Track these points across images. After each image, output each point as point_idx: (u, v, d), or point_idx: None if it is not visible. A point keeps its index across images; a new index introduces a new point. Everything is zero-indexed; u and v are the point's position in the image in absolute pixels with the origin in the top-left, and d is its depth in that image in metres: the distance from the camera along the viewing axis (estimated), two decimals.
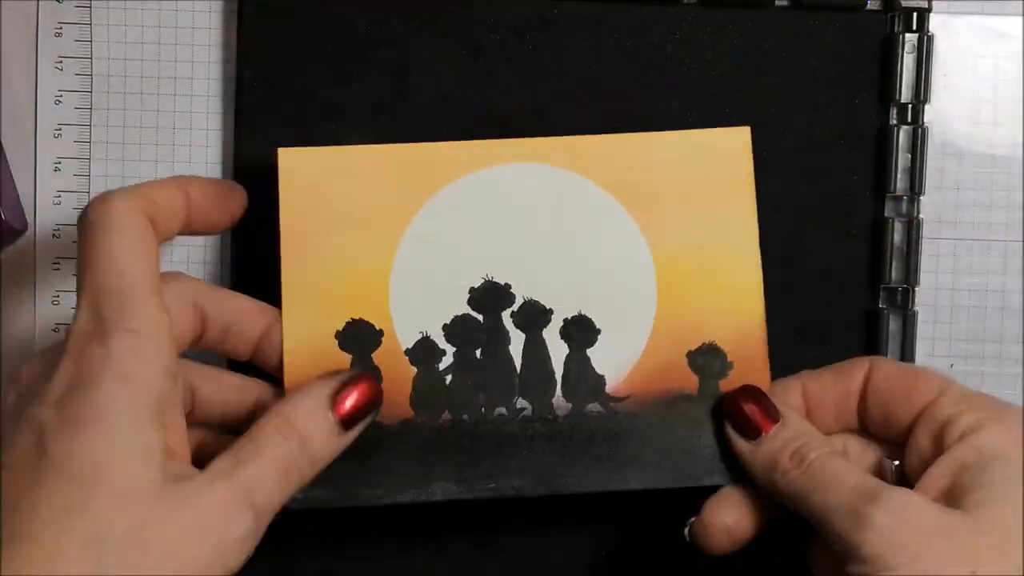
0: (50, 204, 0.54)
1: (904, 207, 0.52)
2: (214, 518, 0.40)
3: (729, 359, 0.49)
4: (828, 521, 0.43)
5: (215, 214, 0.47)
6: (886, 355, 0.52)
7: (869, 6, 0.52)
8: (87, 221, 0.43)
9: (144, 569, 0.39)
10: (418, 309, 0.49)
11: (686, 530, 0.48)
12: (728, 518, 0.47)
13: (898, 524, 0.41)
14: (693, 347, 0.49)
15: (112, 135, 0.54)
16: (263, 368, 0.48)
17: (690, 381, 0.49)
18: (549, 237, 0.49)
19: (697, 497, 0.48)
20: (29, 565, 0.38)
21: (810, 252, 0.52)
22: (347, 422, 0.45)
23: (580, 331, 0.49)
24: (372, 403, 0.46)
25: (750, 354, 0.49)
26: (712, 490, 0.48)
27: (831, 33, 0.52)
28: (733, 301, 0.49)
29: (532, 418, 0.49)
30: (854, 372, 0.48)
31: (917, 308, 0.52)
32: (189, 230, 0.46)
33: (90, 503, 0.39)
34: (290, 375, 0.48)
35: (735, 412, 0.48)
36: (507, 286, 0.49)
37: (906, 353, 0.52)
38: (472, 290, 0.49)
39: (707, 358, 0.49)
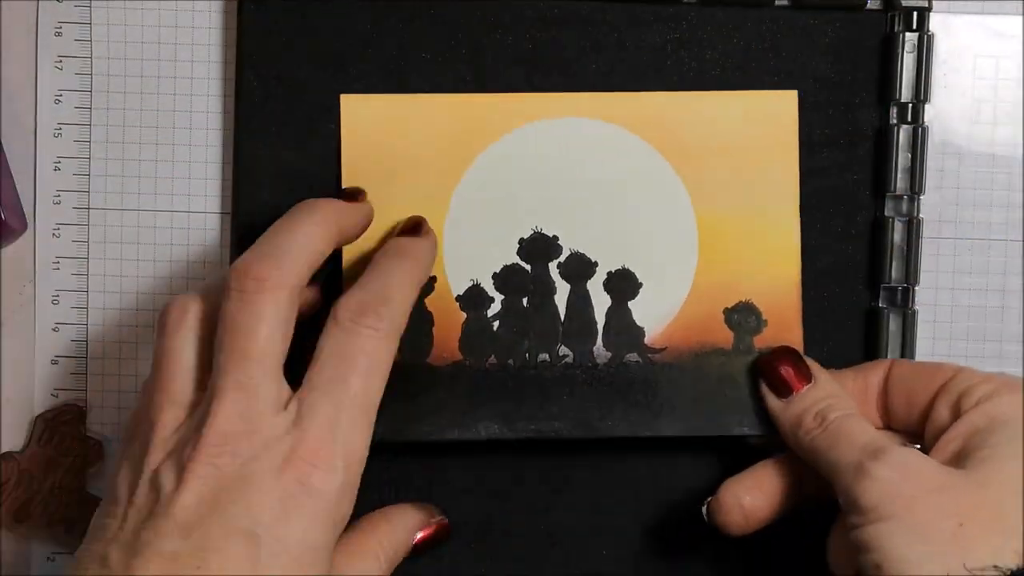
0: (50, 204, 0.54)
1: (904, 206, 0.52)
2: None
3: (764, 317, 0.51)
4: (837, 476, 0.44)
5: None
6: (886, 354, 0.52)
7: (869, 5, 0.52)
8: (361, 332, 0.44)
9: None
10: (469, 257, 0.51)
11: (704, 508, 0.49)
12: (744, 498, 0.48)
13: (898, 478, 0.43)
14: (730, 304, 0.51)
15: (112, 135, 0.54)
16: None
17: (725, 336, 0.51)
18: (597, 191, 0.51)
19: (727, 451, 0.51)
20: None
21: (810, 251, 0.52)
22: (416, 553, 0.50)
23: (623, 284, 0.51)
24: (439, 543, 0.51)
25: (784, 313, 0.51)
26: (741, 442, 0.51)
27: (831, 33, 0.52)
28: (771, 261, 0.51)
29: (573, 365, 0.51)
30: (875, 369, 0.49)
31: (917, 307, 0.52)
32: None
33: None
34: None
35: (770, 371, 0.49)
36: (555, 238, 0.51)
37: (906, 352, 0.52)
38: (522, 241, 0.51)
39: (743, 315, 0.51)
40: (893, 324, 0.52)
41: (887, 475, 0.43)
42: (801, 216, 0.52)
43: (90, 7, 0.54)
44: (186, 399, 0.44)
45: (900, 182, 0.52)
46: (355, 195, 0.49)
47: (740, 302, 0.51)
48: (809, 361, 0.49)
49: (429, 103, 0.51)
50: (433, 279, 0.51)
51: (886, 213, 0.52)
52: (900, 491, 0.42)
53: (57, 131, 0.54)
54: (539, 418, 0.51)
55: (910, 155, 0.52)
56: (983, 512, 0.41)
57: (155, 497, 0.42)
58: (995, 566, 0.40)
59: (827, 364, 0.52)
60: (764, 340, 0.51)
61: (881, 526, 0.42)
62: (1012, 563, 0.40)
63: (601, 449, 0.53)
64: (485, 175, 0.51)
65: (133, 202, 0.54)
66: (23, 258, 0.55)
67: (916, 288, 0.52)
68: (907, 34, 0.51)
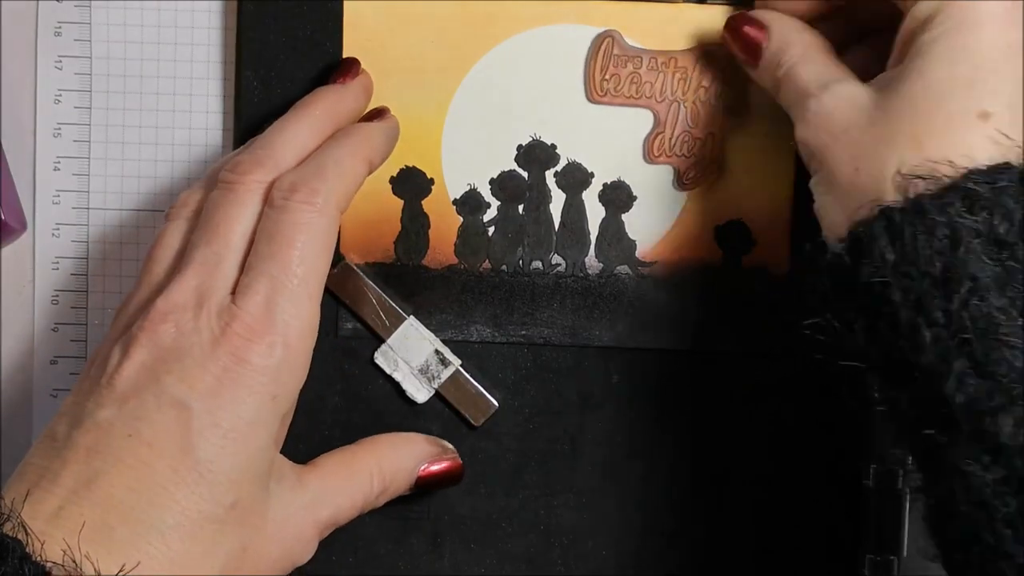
0: (49, 203, 0.54)
1: None
2: (297, 550, 0.45)
3: (754, 236, 0.52)
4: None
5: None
6: None
7: None
8: (293, 208, 0.44)
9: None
10: (467, 161, 0.52)
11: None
12: None
13: (811, 131, 0.43)
14: (721, 222, 0.52)
15: (111, 135, 0.54)
16: None
17: (715, 254, 0.52)
18: (580, 89, 0.51)
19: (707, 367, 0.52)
20: (157, 566, 0.40)
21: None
22: (422, 485, 0.49)
23: (618, 196, 0.52)
24: (449, 482, 0.50)
25: (774, 234, 0.52)
26: (723, 364, 0.52)
27: None
28: (765, 182, 0.52)
29: (565, 274, 0.52)
30: None
31: None
32: None
33: (221, 521, 0.41)
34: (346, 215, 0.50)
35: (733, 36, 0.48)
36: (553, 146, 0.52)
37: None
38: (520, 147, 0.52)
39: (733, 233, 0.52)
40: None
41: (804, 133, 0.43)
42: (802, 215, 0.52)
43: (90, 7, 0.54)
44: (162, 281, 0.45)
45: None
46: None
47: (731, 220, 0.52)
48: (762, 14, 0.48)
49: (431, 7, 0.51)
50: (431, 181, 0.52)
51: None
52: (816, 143, 0.43)
53: (56, 131, 0.54)
54: (529, 324, 0.52)
55: None
56: (883, 145, 0.40)
57: (103, 370, 0.43)
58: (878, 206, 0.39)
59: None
60: (752, 260, 0.52)
61: (813, 179, 0.43)
62: (896, 194, 0.39)
63: (600, 446, 0.53)
64: (485, 80, 0.52)
65: (132, 202, 0.54)
66: (23, 258, 0.55)
67: None
68: None
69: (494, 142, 0.52)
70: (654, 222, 0.52)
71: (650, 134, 0.51)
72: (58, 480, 0.40)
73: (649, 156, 0.52)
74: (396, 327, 0.52)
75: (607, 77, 0.51)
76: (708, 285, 0.52)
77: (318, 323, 0.44)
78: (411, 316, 0.52)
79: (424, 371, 0.52)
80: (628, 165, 0.52)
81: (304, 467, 0.47)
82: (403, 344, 0.52)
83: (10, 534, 0.38)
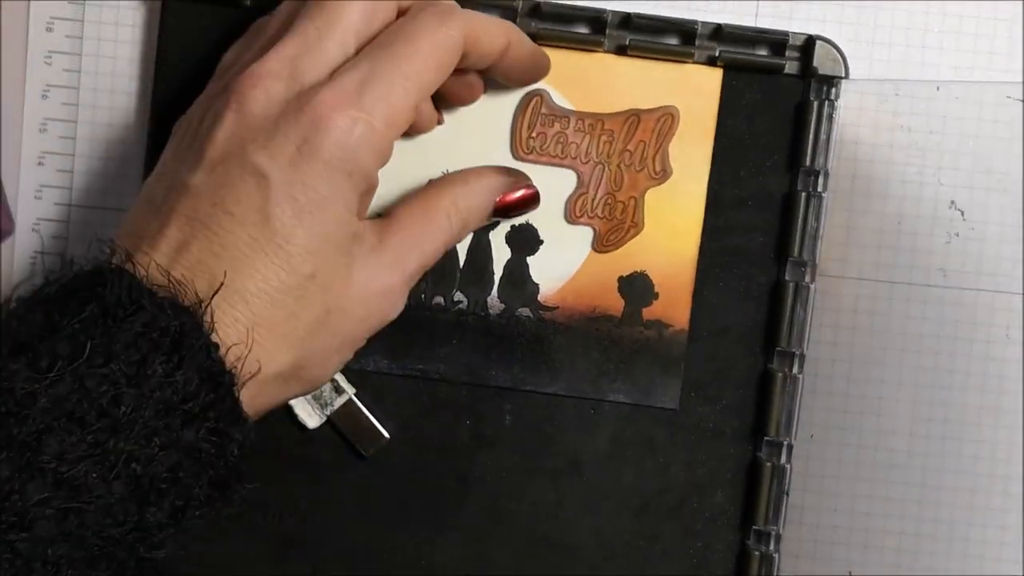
0: (31, 198, 0.54)
1: (805, 273, 0.51)
2: (385, 306, 0.46)
3: (656, 290, 0.52)
4: None
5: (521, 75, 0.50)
6: (775, 416, 0.51)
7: (787, 70, 0.52)
8: (427, 17, 0.44)
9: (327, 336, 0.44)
10: (378, 194, 0.50)
11: None
12: None
13: None
14: (624, 273, 0.52)
15: (97, 132, 0.54)
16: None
17: (616, 304, 0.52)
18: (505, 144, 0.52)
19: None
20: (236, 324, 0.42)
21: (710, 310, 0.52)
22: (500, 213, 0.50)
23: (524, 239, 0.52)
24: (528, 206, 0.51)
25: (677, 288, 0.52)
26: (617, 413, 0.52)
27: (748, 95, 0.52)
28: (671, 235, 0.52)
29: (466, 312, 0.53)
30: None
31: (803, 375, 0.52)
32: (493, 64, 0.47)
33: (302, 288, 0.43)
34: None
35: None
36: None
37: (794, 414, 0.51)
38: (430, 183, 0.51)
39: (635, 285, 0.52)
40: (784, 387, 0.51)
41: None
42: (704, 274, 0.52)
43: (84, 5, 0.54)
44: (264, 46, 0.45)
45: (801, 248, 0.51)
46: None
47: (635, 272, 0.52)
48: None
49: None
50: None
51: (786, 278, 0.52)
52: None
53: (43, 126, 0.54)
54: (427, 359, 0.52)
55: (814, 223, 0.51)
56: None
57: (196, 132, 0.44)
58: None
59: (720, 422, 0.52)
60: (653, 312, 0.52)
61: None
62: None
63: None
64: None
65: (115, 201, 0.54)
66: (7, 258, 0.54)
67: (806, 354, 0.52)
68: (819, 101, 0.51)
69: (405, 177, 0.52)
70: (559, 267, 0.52)
71: (572, 195, 0.52)
72: (155, 245, 0.42)
73: (571, 216, 0.52)
74: None
75: (534, 135, 0.52)
76: (607, 334, 0.52)
77: (407, 121, 0.44)
78: None
79: (317, 397, 0.52)
80: (549, 223, 0.52)
81: (383, 223, 0.47)
82: None
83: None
